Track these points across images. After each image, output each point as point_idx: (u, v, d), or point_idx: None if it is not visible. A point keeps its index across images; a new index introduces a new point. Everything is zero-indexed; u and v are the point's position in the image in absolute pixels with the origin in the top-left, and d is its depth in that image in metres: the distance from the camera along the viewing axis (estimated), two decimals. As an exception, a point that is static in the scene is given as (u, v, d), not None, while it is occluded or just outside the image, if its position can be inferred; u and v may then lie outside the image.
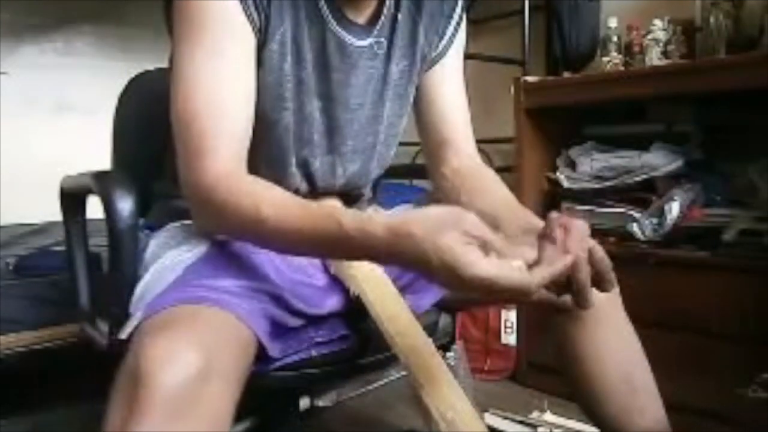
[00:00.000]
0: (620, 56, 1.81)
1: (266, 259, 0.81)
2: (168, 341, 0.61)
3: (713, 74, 1.47)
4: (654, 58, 1.71)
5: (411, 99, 0.95)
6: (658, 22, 1.72)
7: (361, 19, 0.86)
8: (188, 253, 0.81)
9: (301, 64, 0.82)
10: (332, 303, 0.86)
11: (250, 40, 0.77)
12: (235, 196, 0.71)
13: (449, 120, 0.96)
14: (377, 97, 0.90)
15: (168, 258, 0.83)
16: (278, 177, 0.87)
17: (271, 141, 0.85)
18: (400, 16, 0.88)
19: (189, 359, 0.60)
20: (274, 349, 0.77)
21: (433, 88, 0.96)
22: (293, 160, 0.87)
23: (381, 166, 0.99)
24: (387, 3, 0.87)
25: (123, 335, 0.72)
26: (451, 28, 0.95)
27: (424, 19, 0.91)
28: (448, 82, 0.97)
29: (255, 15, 0.76)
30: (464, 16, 0.96)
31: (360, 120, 0.90)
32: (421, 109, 0.97)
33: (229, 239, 0.83)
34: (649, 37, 1.72)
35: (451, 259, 0.57)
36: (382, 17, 0.87)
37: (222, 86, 0.74)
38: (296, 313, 0.82)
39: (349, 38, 0.84)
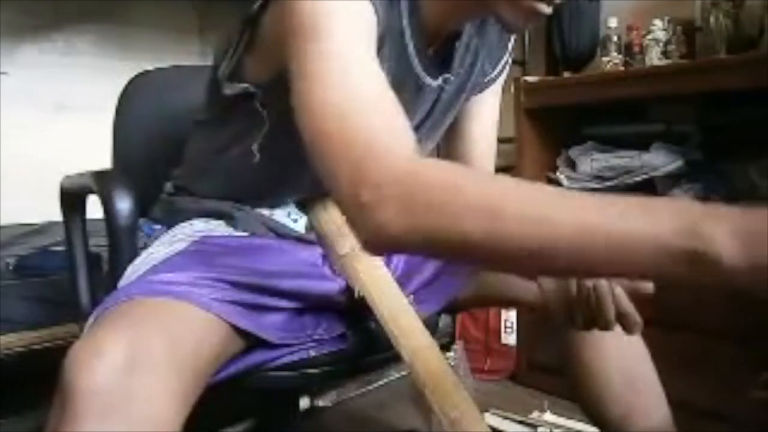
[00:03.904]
0: (620, 56, 1.81)
1: (246, 253, 0.80)
2: (94, 339, 0.59)
3: (713, 74, 1.47)
4: (654, 58, 1.71)
5: (446, 124, 0.93)
6: (658, 22, 1.72)
7: (433, 56, 0.82)
8: (163, 251, 0.81)
9: None
10: (324, 287, 0.84)
11: (374, 45, 0.67)
12: (446, 186, 0.51)
13: (477, 141, 0.98)
14: (419, 124, 0.87)
15: (144, 256, 0.82)
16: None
17: None
18: (462, 47, 0.85)
19: (112, 355, 0.56)
20: (263, 330, 0.75)
21: (472, 109, 0.96)
22: None
23: None
24: (462, 38, 0.84)
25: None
26: (505, 57, 0.94)
27: (485, 50, 0.89)
28: (487, 106, 0.97)
29: (378, 34, 0.68)
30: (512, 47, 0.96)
31: None
32: (453, 124, 0.96)
33: (210, 236, 0.82)
34: (649, 37, 1.72)
35: None
36: (456, 55, 0.84)
37: (366, 76, 0.61)
38: (280, 293, 0.80)
39: (428, 79, 0.81)
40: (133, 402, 0.56)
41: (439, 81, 0.83)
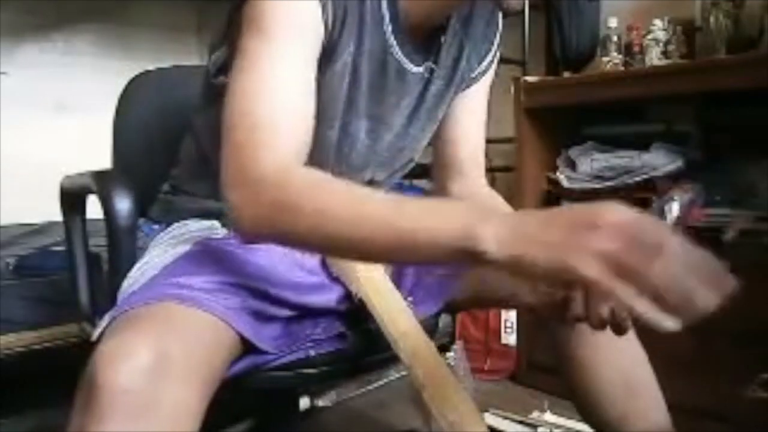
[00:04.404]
0: (620, 56, 1.81)
1: (249, 257, 0.81)
2: (121, 340, 0.60)
3: (713, 74, 1.47)
4: (654, 58, 1.71)
5: (439, 118, 0.95)
6: (658, 22, 1.72)
7: (418, 44, 0.84)
8: (170, 252, 0.81)
9: (356, 86, 0.81)
10: (324, 299, 0.85)
11: (317, 45, 0.74)
12: (304, 191, 0.62)
13: (465, 141, 0.98)
14: (411, 114, 0.90)
15: (149, 257, 0.83)
16: None
17: (312, 154, 0.82)
18: (447, 40, 0.87)
19: (140, 357, 0.57)
20: (261, 341, 0.76)
21: (458, 108, 0.97)
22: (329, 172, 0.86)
23: (399, 175, 1.00)
24: (451, 24, 0.86)
25: (93, 338, 0.68)
26: (491, 54, 0.95)
27: (470, 44, 0.90)
28: (474, 104, 0.98)
29: (328, 31, 0.74)
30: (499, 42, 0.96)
31: (391, 137, 0.90)
32: (441, 124, 0.97)
33: (212, 238, 0.83)
34: (649, 37, 1.72)
35: (586, 208, 0.52)
36: (442, 43, 0.86)
37: (286, 84, 0.69)
38: (281, 303, 0.80)
39: (410, 65, 0.84)
40: (159, 403, 0.57)
41: (422, 68, 0.85)
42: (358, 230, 0.59)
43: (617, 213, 0.50)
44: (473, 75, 0.94)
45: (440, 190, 1.00)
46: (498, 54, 0.97)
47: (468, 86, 0.95)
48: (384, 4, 0.78)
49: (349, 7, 0.75)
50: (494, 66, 0.97)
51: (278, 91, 0.68)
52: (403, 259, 0.70)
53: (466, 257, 0.55)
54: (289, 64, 0.70)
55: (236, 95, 0.68)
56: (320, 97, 0.77)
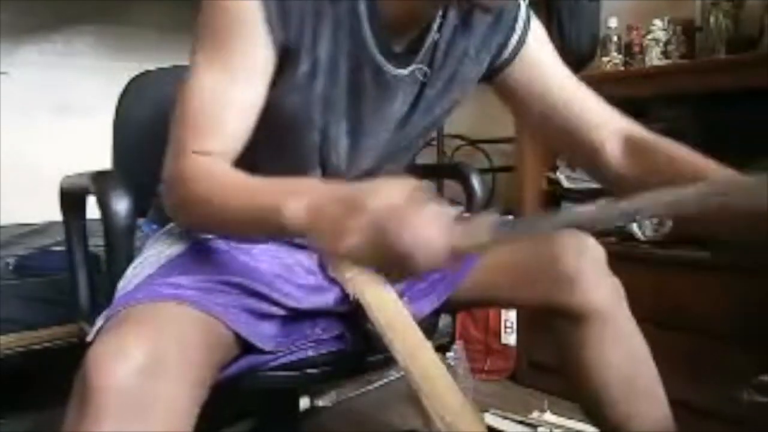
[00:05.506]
0: (620, 56, 1.81)
1: (246, 258, 0.81)
2: (114, 341, 0.60)
3: (713, 74, 1.47)
4: (654, 58, 1.71)
5: (438, 116, 0.91)
6: (658, 22, 1.72)
7: (404, 46, 0.82)
8: (166, 252, 0.81)
9: (334, 87, 0.79)
10: (321, 300, 0.85)
11: (269, 56, 0.74)
12: (198, 181, 0.71)
13: (580, 108, 0.89)
14: (404, 117, 0.87)
15: (144, 257, 0.83)
16: None
17: (295, 155, 0.83)
18: (441, 40, 0.84)
19: (134, 356, 0.58)
20: (257, 340, 0.76)
21: (546, 91, 0.90)
22: (317, 174, 0.85)
23: (396, 172, 0.97)
24: (432, 29, 0.82)
25: (89, 338, 0.67)
26: (515, 37, 0.89)
27: (474, 40, 0.86)
28: (553, 75, 0.91)
29: (282, 34, 0.73)
30: (530, 17, 0.90)
31: (383, 141, 0.87)
32: (543, 115, 0.91)
33: (208, 238, 0.83)
34: (649, 37, 1.72)
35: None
36: (426, 44, 0.82)
37: (229, 94, 0.73)
38: (277, 303, 0.80)
39: (389, 67, 0.80)
40: (153, 403, 0.57)
41: (406, 71, 0.82)
42: (222, 212, 0.68)
43: (385, 195, 0.55)
44: (499, 61, 0.89)
45: (600, 172, 0.91)
46: (532, 28, 0.90)
47: (497, 75, 0.91)
48: (362, 5, 0.76)
49: (311, 7, 0.73)
50: (534, 37, 0.90)
51: (217, 103, 0.73)
52: (251, 235, 0.76)
53: (279, 230, 0.61)
54: (235, 74, 0.73)
55: (184, 99, 0.76)
56: (292, 99, 0.77)
